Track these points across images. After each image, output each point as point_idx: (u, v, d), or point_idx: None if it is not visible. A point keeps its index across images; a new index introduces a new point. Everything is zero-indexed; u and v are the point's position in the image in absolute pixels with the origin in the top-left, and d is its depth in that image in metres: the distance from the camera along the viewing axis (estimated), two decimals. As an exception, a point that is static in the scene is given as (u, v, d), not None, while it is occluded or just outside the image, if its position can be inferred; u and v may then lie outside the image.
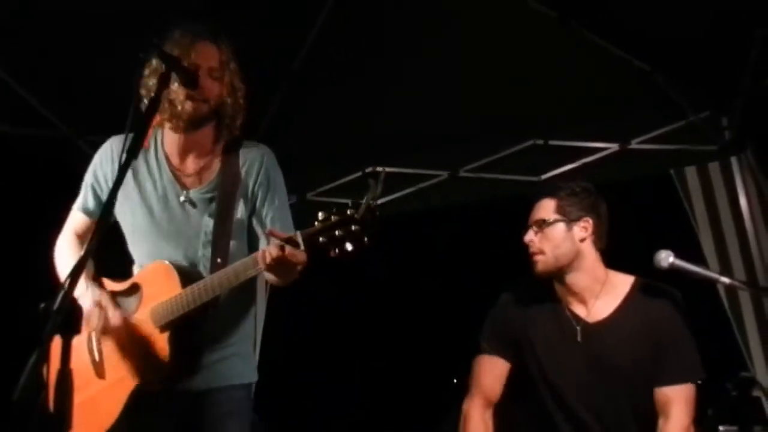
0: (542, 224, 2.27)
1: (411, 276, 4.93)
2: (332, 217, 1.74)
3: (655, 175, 3.98)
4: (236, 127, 2.12)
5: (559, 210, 2.28)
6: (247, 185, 2.09)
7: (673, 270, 2.19)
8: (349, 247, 1.72)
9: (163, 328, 2.00)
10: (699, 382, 2.23)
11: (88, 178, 2.19)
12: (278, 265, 1.84)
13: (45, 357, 1.34)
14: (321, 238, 1.74)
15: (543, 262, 2.27)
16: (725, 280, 2.33)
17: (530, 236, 2.29)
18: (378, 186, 1.72)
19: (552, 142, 3.89)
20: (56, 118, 3.67)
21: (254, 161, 2.10)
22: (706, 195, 3.77)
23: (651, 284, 2.28)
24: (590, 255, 2.28)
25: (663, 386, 2.21)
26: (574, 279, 2.27)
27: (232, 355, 2.10)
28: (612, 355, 2.23)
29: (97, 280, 2.15)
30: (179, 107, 2.02)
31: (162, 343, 1.99)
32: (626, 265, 2.34)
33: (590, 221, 2.28)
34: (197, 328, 2.02)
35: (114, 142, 2.17)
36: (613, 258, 2.33)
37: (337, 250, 1.74)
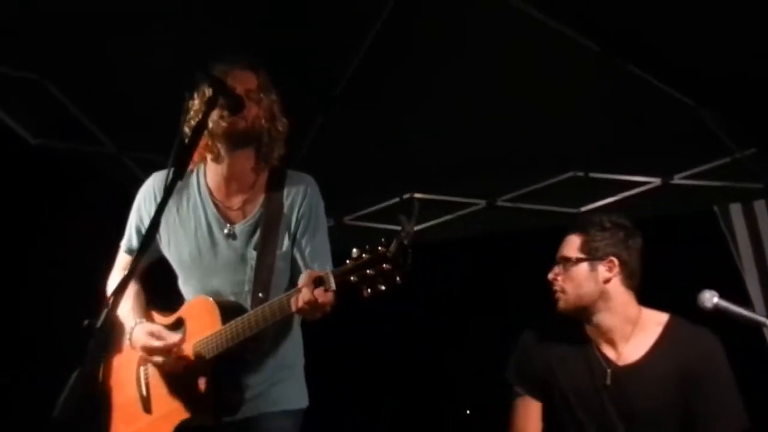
0: (566, 262, 2.21)
1: (443, 303, 4.89)
2: (364, 255, 1.71)
3: (698, 211, 3.90)
4: (274, 158, 2.10)
5: (584, 248, 2.20)
6: (291, 217, 2.08)
7: (717, 311, 2.12)
8: (381, 286, 1.69)
9: (205, 364, 2.00)
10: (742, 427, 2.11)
11: (132, 219, 2.20)
12: (310, 307, 1.82)
13: (88, 373, 1.36)
14: (353, 278, 1.72)
15: (563, 300, 2.21)
16: (772, 324, 2.25)
17: (553, 273, 2.23)
18: (411, 223, 1.68)
19: (592, 174, 3.85)
20: (103, 134, 3.76)
21: (298, 193, 2.09)
22: (752, 233, 3.69)
23: (686, 323, 2.20)
24: (619, 295, 2.20)
25: None
26: (602, 319, 2.20)
27: (282, 380, 2.10)
28: (642, 400, 2.14)
29: (148, 313, 2.17)
30: (213, 126, 2.01)
31: (204, 378, 1.99)
32: (667, 304, 2.26)
33: (615, 261, 2.19)
34: (239, 362, 2.02)
35: (156, 180, 2.17)
36: (653, 296, 2.26)
37: (369, 290, 1.70)
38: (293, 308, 1.85)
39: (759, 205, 3.69)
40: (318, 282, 1.79)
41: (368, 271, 1.68)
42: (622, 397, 2.15)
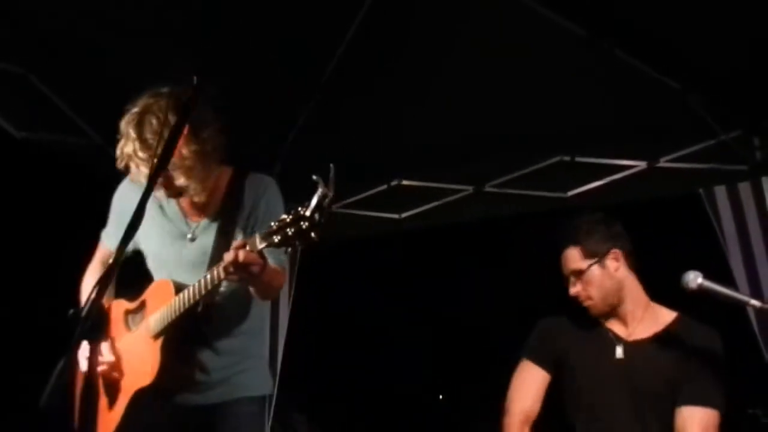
0: (578, 274, 2.34)
1: (433, 289, 4.92)
2: (287, 217, 1.80)
3: (683, 194, 3.93)
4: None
5: (586, 254, 2.34)
6: (247, 216, 2.17)
7: (701, 291, 2.15)
8: (299, 244, 1.79)
9: (156, 337, 2.11)
10: (717, 411, 2.21)
11: (111, 214, 2.33)
12: (235, 268, 1.90)
13: (73, 363, 1.36)
14: (276, 238, 1.81)
15: (593, 306, 2.34)
16: (756, 303, 2.27)
17: (574, 289, 2.36)
18: (327, 183, 1.75)
19: (579, 159, 3.86)
20: (88, 126, 3.73)
21: (256, 193, 2.19)
22: (736, 215, 3.72)
23: (694, 321, 2.33)
24: (630, 279, 2.35)
25: (682, 406, 2.22)
26: (626, 306, 2.34)
27: (246, 369, 2.21)
28: (646, 375, 2.26)
29: (114, 301, 2.28)
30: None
31: (154, 350, 2.09)
32: (653, 285, 2.34)
33: (618, 250, 2.35)
34: (191, 336, 2.12)
35: (125, 184, 2.28)
36: (639, 278, 2.32)
37: (289, 249, 1.82)
38: (223, 271, 1.94)
39: (744, 187, 3.71)
40: (244, 245, 1.89)
41: (289, 231, 1.77)
42: (628, 371, 2.28)
